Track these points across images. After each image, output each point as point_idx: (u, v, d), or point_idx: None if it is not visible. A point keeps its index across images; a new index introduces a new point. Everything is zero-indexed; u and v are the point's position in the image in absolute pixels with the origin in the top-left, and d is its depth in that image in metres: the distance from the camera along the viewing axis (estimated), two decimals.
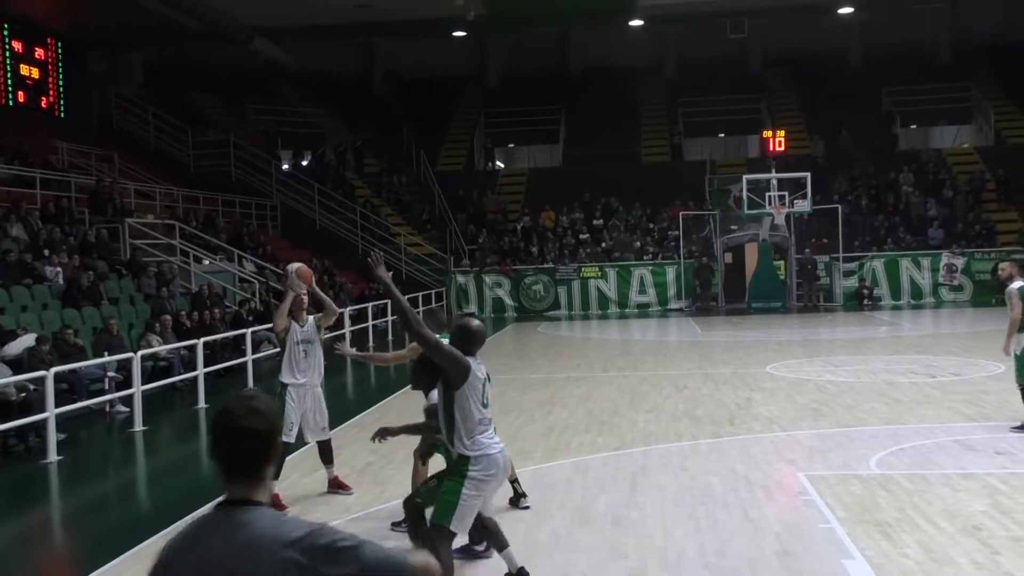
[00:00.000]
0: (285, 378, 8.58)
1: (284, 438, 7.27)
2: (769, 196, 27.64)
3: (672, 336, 23.39)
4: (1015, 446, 9.37)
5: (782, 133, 33.46)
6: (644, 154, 36.66)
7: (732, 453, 9.56)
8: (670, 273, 29.70)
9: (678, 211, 30.96)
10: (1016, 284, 10.27)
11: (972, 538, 6.62)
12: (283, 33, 30.49)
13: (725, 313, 27.92)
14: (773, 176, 28.06)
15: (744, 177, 28.52)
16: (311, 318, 8.73)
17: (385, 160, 35.96)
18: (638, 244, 31.13)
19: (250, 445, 2.43)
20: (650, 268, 29.84)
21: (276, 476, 9.99)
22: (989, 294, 26.41)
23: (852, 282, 29.13)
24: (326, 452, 8.70)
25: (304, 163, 35.01)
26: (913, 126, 37.26)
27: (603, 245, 31.31)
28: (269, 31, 29.74)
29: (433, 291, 28.17)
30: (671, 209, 31.73)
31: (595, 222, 32.56)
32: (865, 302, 28.45)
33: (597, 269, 29.95)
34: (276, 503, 7.46)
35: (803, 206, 27.85)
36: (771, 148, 32.97)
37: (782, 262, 29.56)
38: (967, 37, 36.52)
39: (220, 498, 2.46)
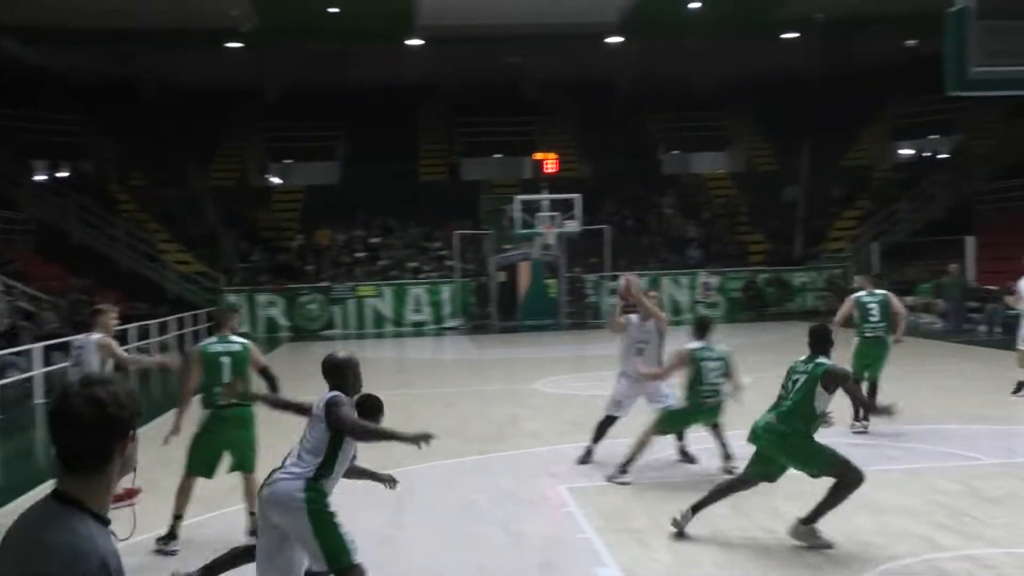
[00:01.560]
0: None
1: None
2: (541, 217, 28.47)
3: (447, 354, 23.63)
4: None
5: (554, 155, 34.60)
6: (422, 173, 36.91)
7: (498, 469, 9.76)
8: (445, 292, 29.99)
9: (453, 230, 31.34)
10: (858, 295, 11.61)
11: (714, 541, 7.06)
12: (31, 32, 28.48)
13: (499, 331, 28.47)
14: (545, 197, 28.93)
15: (517, 198, 29.26)
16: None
17: (153, 173, 34.32)
18: (414, 263, 31.28)
19: (82, 436, 2.23)
20: (426, 287, 30.02)
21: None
22: (740, 311, 28.30)
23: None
24: None
25: (62, 174, 32.88)
26: (676, 152, 39.49)
27: (379, 263, 31.23)
28: (13, 29, 27.69)
29: (203, 311, 27.10)
30: (447, 228, 32.09)
31: (372, 240, 32.43)
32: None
33: (373, 288, 29.82)
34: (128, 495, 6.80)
35: (573, 226, 28.87)
36: (544, 170, 34.03)
37: (553, 280, 30.52)
38: (724, 71, 39.15)
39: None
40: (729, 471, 8.63)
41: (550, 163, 34.12)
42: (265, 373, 7.63)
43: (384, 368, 20.29)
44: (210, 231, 32.41)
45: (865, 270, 22.36)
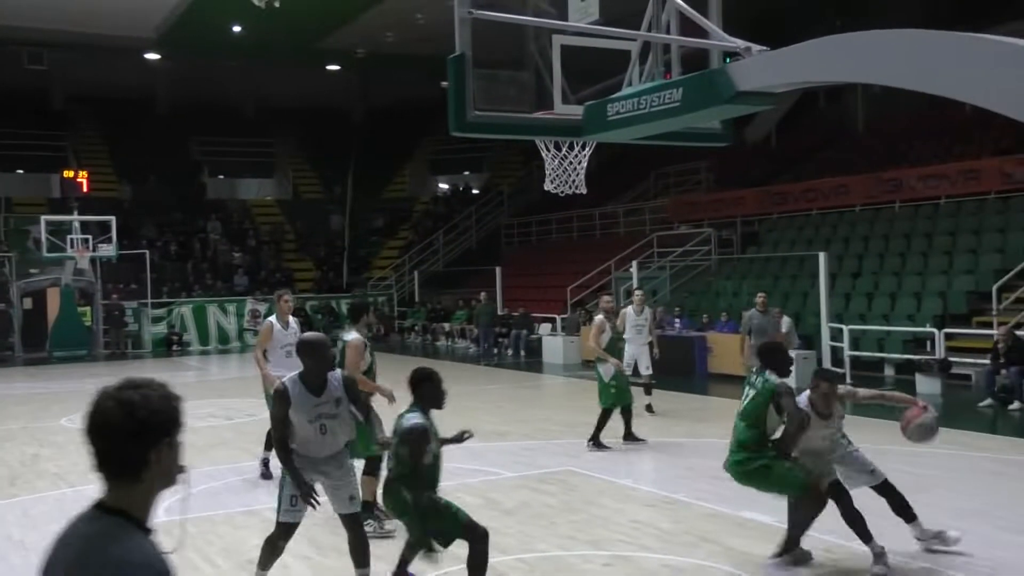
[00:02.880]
0: None
1: None
2: (72, 239, 26.37)
3: None
4: None
5: (86, 174, 32.29)
6: None
7: (9, 517, 8.80)
8: None
9: None
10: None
11: (246, 572, 6.94)
12: None
13: (23, 363, 25.81)
14: (76, 218, 26.85)
15: (43, 218, 26.86)
16: None
17: None
18: None
19: (111, 441, 2.15)
20: None
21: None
22: None
23: (161, 328, 29.07)
24: None
25: None
26: (221, 176, 38.69)
27: None
28: None
29: None
30: None
31: None
32: (174, 347, 28.57)
33: None
34: None
35: (109, 250, 27.11)
36: (76, 188, 31.60)
37: (88, 308, 28.36)
38: (270, 97, 39.16)
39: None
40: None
41: (83, 182, 31.75)
42: None
43: None
44: None
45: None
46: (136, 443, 2.17)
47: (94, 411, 2.18)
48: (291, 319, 10.57)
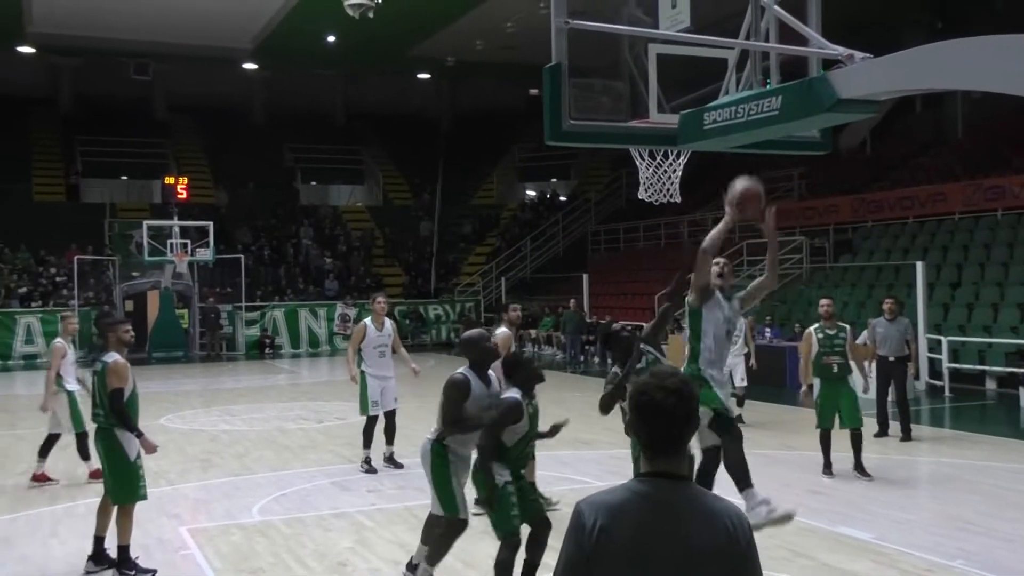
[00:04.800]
0: None
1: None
2: (172, 244, 27.20)
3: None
4: (383, 483, 10.22)
5: (186, 180, 33.25)
6: (36, 192, 33.90)
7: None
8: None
9: (73, 255, 29.02)
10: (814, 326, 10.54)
11: (336, 574, 7.06)
12: None
13: None
14: (176, 223, 27.69)
15: (145, 223, 27.76)
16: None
17: None
18: (24, 290, 28.57)
19: (670, 423, 2.51)
20: (39, 316, 27.45)
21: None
22: None
23: (254, 331, 29.73)
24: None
25: None
26: (313, 183, 39.46)
27: None
28: None
29: None
30: (66, 254, 29.66)
31: None
32: (267, 350, 29.22)
33: None
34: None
35: (206, 255, 27.87)
36: (175, 195, 32.58)
37: (185, 310, 29.19)
38: (359, 105, 39.82)
39: (643, 471, 2.56)
40: None
41: (183, 188, 32.73)
42: None
43: None
44: None
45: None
46: (690, 423, 2.59)
47: (651, 402, 2.54)
48: (387, 321, 10.92)
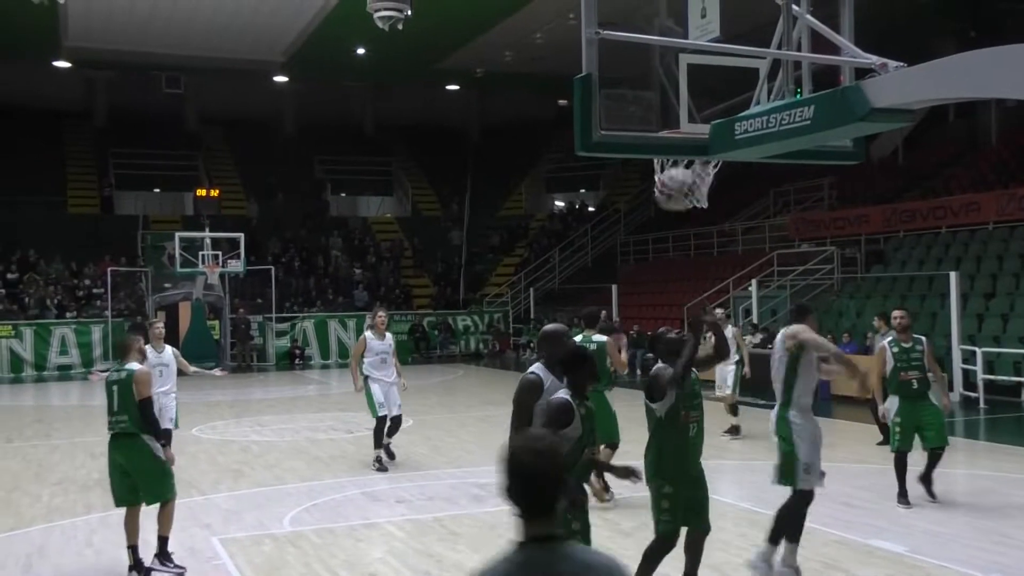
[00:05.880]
0: None
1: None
2: (203, 255, 27.42)
3: (96, 400, 21.88)
4: (412, 494, 10.24)
5: (217, 192, 33.53)
6: (70, 205, 34.35)
7: (145, 523, 9.16)
8: (96, 332, 27.88)
9: (107, 267, 29.35)
10: (887, 338, 9.83)
11: None
12: None
13: None
14: (207, 235, 27.91)
15: (177, 235, 28.01)
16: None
17: None
18: (58, 300, 28.92)
19: (541, 486, 2.54)
20: (73, 327, 27.77)
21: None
22: (407, 353, 28.76)
23: (285, 342, 29.90)
24: None
25: None
26: (342, 194, 39.69)
27: (27, 301, 28.59)
28: None
29: None
30: (99, 265, 30.01)
31: (10, 276, 29.60)
32: (296, 361, 29.37)
33: (10, 328, 27.11)
34: None
35: (237, 266, 28.07)
36: (207, 207, 32.88)
37: (216, 321, 29.40)
38: (388, 117, 40.04)
39: (518, 537, 2.53)
40: None
41: (214, 200, 33.04)
42: None
43: (20, 417, 18.52)
44: None
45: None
46: (558, 483, 2.61)
47: (519, 466, 2.58)
48: (388, 334, 11.74)
